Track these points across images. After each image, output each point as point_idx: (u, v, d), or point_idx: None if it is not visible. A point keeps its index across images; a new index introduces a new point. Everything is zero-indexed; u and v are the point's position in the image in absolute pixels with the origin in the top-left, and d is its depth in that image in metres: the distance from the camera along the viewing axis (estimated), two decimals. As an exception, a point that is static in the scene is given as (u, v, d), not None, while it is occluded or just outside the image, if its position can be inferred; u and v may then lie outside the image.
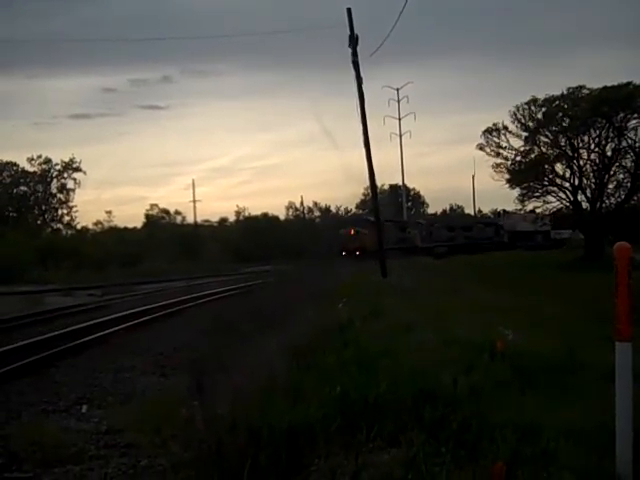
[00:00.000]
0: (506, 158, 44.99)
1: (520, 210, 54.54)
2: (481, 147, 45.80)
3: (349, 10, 28.03)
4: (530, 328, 10.84)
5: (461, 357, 8.21)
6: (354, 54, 27.97)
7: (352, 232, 52.82)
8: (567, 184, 44.11)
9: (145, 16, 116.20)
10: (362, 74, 28.10)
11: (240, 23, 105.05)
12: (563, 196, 44.75)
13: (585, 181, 43.67)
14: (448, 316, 12.64)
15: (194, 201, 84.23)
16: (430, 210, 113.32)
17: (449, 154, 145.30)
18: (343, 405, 6.29)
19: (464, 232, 69.90)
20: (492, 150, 45.23)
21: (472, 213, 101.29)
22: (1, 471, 6.48)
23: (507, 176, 44.96)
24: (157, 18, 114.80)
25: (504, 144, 44.86)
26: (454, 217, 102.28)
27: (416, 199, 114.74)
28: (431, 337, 9.80)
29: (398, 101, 73.12)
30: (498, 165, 45.35)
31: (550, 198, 45.57)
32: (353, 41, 27.86)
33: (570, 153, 43.12)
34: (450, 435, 5.47)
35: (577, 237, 66.81)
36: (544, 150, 43.95)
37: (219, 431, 5.73)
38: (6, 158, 79.66)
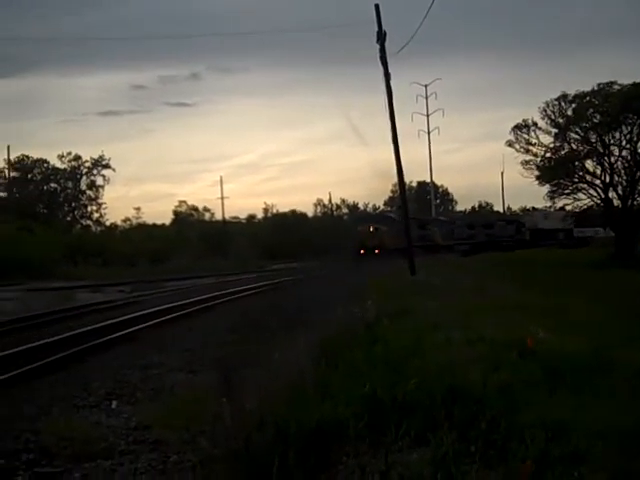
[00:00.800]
0: (535, 155, 44.54)
1: (550, 207, 53.85)
2: (510, 144, 45.36)
3: (377, 6, 28.00)
4: (560, 327, 10.74)
5: (490, 356, 8.17)
6: (382, 50, 27.92)
7: (371, 229, 51.45)
8: (598, 181, 43.63)
9: (174, 14, 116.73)
10: (390, 70, 28.09)
11: (268, 20, 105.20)
12: (594, 193, 44.24)
13: (616, 178, 43.14)
14: (476, 314, 12.58)
15: (222, 198, 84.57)
16: (459, 207, 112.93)
17: (478, 151, 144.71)
18: (371, 403, 6.29)
19: (485, 230, 68.67)
20: (521, 147, 44.78)
21: (501, 210, 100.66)
22: (32, 466, 6.55)
23: (537, 173, 44.50)
24: (185, 15, 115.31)
25: (534, 140, 44.42)
26: (477, 214, 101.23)
27: (444, 196, 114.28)
28: (459, 335, 9.76)
29: (426, 97, 73.11)
30: (527, 162, 44.89)
31: (580, 195, 45.07)
32: (381, 37, 27.82)
33: (601, 150, 42.64)
34: (479, 434, 5.45)
35: (601, 235, 65.89)
36: (574, 147, 43.48)
37: (247, 428, 5.75)
38: (37, 155, 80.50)
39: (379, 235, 49.73)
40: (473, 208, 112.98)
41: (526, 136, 44.74)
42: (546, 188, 45.17)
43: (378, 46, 27.95)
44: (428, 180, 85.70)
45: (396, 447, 5.61)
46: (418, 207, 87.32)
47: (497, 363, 7.62)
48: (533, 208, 78.35)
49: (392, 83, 28.15)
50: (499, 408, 5.95)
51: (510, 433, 5.40)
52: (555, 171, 43.31)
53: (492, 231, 68.77)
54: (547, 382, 6.91)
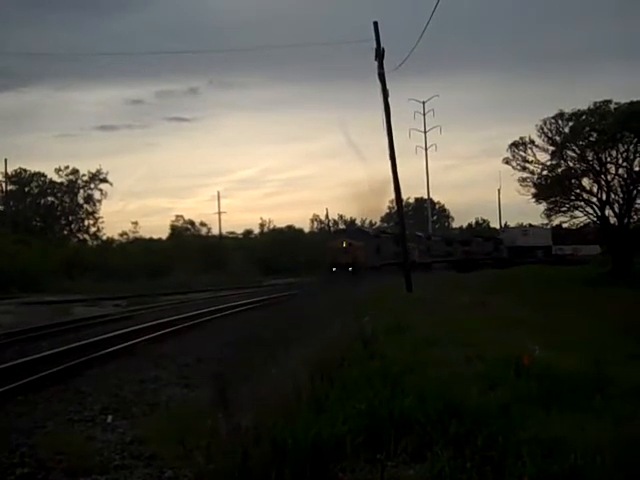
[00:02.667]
0: (532, 172, 44.65)
1: (546, 225, 53.88)
2: (507, 161, 45.48)
3: (375, 23, 28.16)
4: (557, 344, 10.74)
5: (487, 373, 8.17)
6: (380, 67, 28.05)
7: (343, 244, 46.18)
8: (594, 199, 43.74)
9: (172, 29, 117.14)
10: (388, 87, 28.20)
11: (266, 35, 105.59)
12: (590, 211, 44.37)
13: (613, 196, 43.27)
14: (473, 331, 12.58)
15: (219, 213, 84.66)
16: (455, 224, 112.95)
17: (475, 168, 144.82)
18: (368, 419, 6.28)
19: (462, 246, 65.13)
20: (518, 164, 44.90)
21: (498, 227, 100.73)
22: (28, 480, 6.53)
23: (533, 190, 44.61)
24: (184, 31, 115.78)
25: (531, 158, 44.55)
26: (461, 230, 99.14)
27: (441, 213, 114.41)
28: (456, 352, 9.76)
29: (424, 114, 73.16)
30: (524, 179, 45.03)
31: (577, 213, 45.19)
32: (379, 54, 27.95)
33: (598, 168, 42.75)
34: (476, 451, 5.44)
35: (582, 253, 65.38)
36: (571, 164, 43.60)
37: (244, 443, 5.73)
38: (34, 169, 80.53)
39: (352, 251, 45.23)
40: (470, 225, 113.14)
41: (523, 154, 44.89)
42: (543, 206, 45.27)
43: (376, 63, 28.07)
44: (425, 196, 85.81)
45: (393, 463, 5.60)
46: (415, 223, 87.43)
47: (494, 380, 7.62)
48: (530, 225, 77.90)
49: (390, 99, 28.32)
50: (495, 425, 5.94)
51: (507, 450, 5.39)
52: (552, 189, 43.42)
53: (469, 248, 65.95)
54: (543, 399, 6.90)
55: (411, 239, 54.95)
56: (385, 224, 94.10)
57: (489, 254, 67.19)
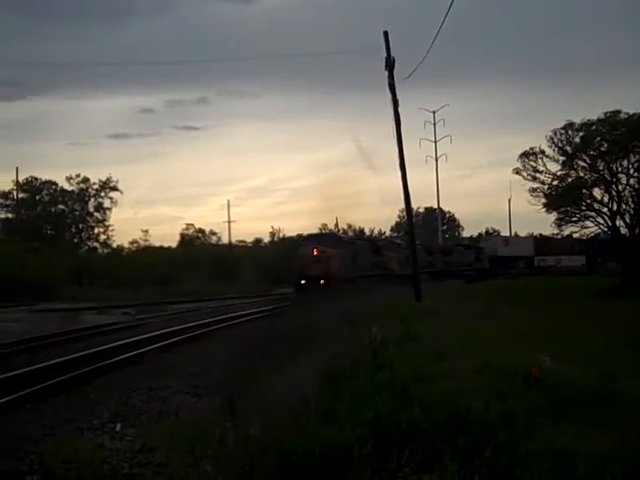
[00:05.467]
0: (543, 182, 44.58)
1: (557, 235, 53.63)
2: (517, 171, 45.41)
3: (386, 33, 28.19)
4: (565, 355, 10.71)
5: (495, 383, 8.14)
6: (390, 77, 28.06)
7: (315, 252, 37.88)
8: (605, 209, 43.63)
9: (182, 38, 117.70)
10: (398, 96, 28.22)
11: (276, 44, 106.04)
12: (601, 221, 44.25)
13: (624, 206, 43.14)
14: (482, 341, 12.55)
15: (229, 221, 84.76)
16: (465, 233, 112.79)
17: (485, 177, 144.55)
18: (376, 429, 6.28)
19: (443, 256, 58.65)
20: (529, 174, 44.83)
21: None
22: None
23: (544, 200, 44.53)
24: (194, 40, 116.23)
25: (541, 168, 44.49)
26: (471, 240, 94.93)
27: (451, 222, 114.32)
28: (464, 362, 9.74)
29: (434, 124, 73.06)
30: (535, 189, 44.95)
31: (588, 223, 45.09)
32: (390, 64, 27.97)
33: (608, 178, 42.65)
34: (483, 462, 5.43)
35: (565, 264, 64.33)
36: (582, 174, 43.51)
37: (251, 453, 5.74)
38: (45, 177, 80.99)
39: (326, 261, 37.39)
40: (480, 235, 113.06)
41: (533, 164, 44.80)
42: (553, 215, 45.17)
43: (387, 72, 28.11)
44: (435, 206, 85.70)
45: (400, 474, 5.60)
46: (425, 233, 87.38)
47: (502, 391, 7.60)
48: (541, 235, 77.36)
49: (400, 109, 28.28)
50: (503, 436, 5.93)
51: (515, 461, 5.38)
52: (562, 199, 43.32)
53: (450, 258, 60.01)
54: (552, 411, 6.89)
55: (390, 247, 50.94)
56: (395, 234, 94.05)
57: (470, 265, 62.63)
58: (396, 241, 61.97)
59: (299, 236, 76.80)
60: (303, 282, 36.86)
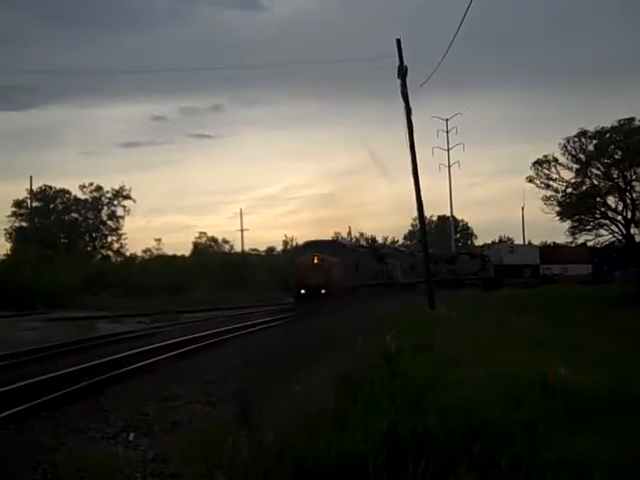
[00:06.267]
0: (556, 190, 44.56)
1: (571, 243, 53.38)
2: (531, 179, 45.44)
3: (398, 41, 28.21)
4: (582, 363, 10.63)
5: (510, 392, 8.08)
6: (403, 85, 28.07)
7: (315, 260, 35.79)
8: (619, 217, 43.49)
9: (195, 45, 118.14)
10: (411, 104, 28.22)
11: (289, 52, 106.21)
12: (615, 229, 44.11)
13: (638, 214, 42.98)
14: (496, 350, 12.49)
15: (242, 230, 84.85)
16: (478, 242, 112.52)
17: (499, 185, 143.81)
18: (390, 438, 6.22)
19: (448, 265, 56.57)
20: (542, 182, 44.83)
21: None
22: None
23: (558, 208, 44.48)
24: (207, 47, 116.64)
25: (554, 176, 44.46)
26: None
27: (465, 230, 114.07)
28: (480, 371, 9.68)
29: (447, 132, 73.04)
30: (548, 197, 44.89)
31: (602, 231, 44.99)
32: (402, 72, 27.98)
33: (623, 186, 42.53)
34: (500, 472, 5.37)
35: (572, 273, 63.48)
36: (596, 182, 43.43)
37: (265, 461, 5.71)
38: (58, 186, 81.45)
39: (327, 269, 35.32)
40: (493, 242, 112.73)
41: (547, 171, 44.79)
42: (567, 224, 45.06)
43: (399, 80, 28.11)
44: (448, 214, 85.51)
45: (415, 484, 5.54)
46: (438, 241, 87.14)
47: (518, 400, 7.54)
48: (554, 243, 77.02)
49: (413, 116, 28.30)
50: (520, 446, 5.87)
51: (531, 472, 5.32)
52: (576, 207, 43.22)
53: (455, 267, 58.27)
54: (569, 420, 6.82)
55: (393, 255, 49.08)
56: (408, 242, 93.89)
57: (475, 273, 61.05)
58: (400, 248, 61.03)
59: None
60: (303, 292, 35.17)
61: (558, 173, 44.37)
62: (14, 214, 79.08)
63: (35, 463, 7.62)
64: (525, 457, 5.57)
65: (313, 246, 38.31)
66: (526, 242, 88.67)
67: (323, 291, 34.02)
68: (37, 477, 7.14)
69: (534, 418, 6.77)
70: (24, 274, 47.21)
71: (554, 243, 76.50)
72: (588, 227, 44.81)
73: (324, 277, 34.73)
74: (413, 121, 28.34)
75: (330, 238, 41.96)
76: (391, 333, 13.45)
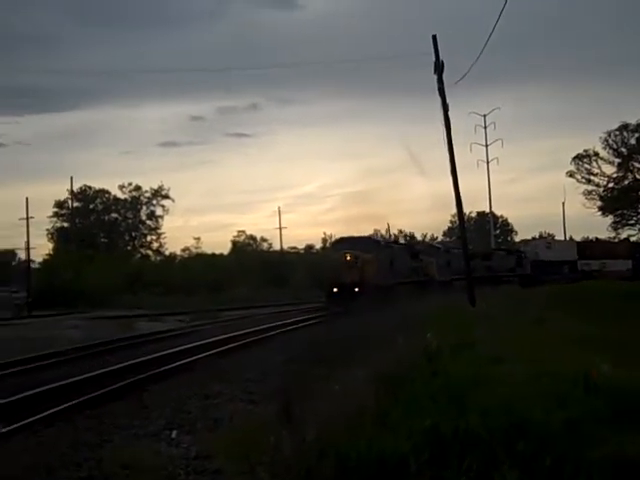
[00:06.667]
0: (598, 185, 44.07)
1: (614, 238, 52.58)
2: (571, 174, 44.99)
3: (434, 37, 28.03)
4: (626, 361, 10.48)
5: (553, 390, 7.99)
6: (440, 81, 27.89)
7: (348, 257, 34.23)
8: (663, 211, 42.81)
9: (232, 45, 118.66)
10: (448, 101, 28.03)
11: (326, 50, 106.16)
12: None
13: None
14: (539, 347, 12.36)
15: (280, 228, 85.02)
16: (519, 238, 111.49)
17: (538, 181, 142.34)
18: (432, 436, 6.20)
19: (483, 261, 54.03)
20: (583, 177, 44.36)
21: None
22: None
23: (599, 203, 43.96)
24: (244, 47, 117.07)
25: (595, 170, 43.97)
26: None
27: (504, 227, 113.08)
28: (522, 369, 9.59)
29: (485, 128, 72.32)
30: (590, 192, 44.38)
31: (646, 226, 44.33)
32: (439, 68, 27.79)
33: (666, 179, 41.88)
34: (544, 471, 5.32)
35: (610, 269, 61.92)
36: (638, 177, 42.79)
37: (307, 459, 5.72)
38: (98, 186, 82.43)
39: (360, 266, 33.95)
40: (533, 238, 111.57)
41: (587, 166, 44.32)
42: (610, 219, 44.50)
43: (436, 77, 27.96)
44: (488, 210, 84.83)
45: (458, 483, 5.52)
46: (477, 237, 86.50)
47: (561, 398, 7.46)
48: (596, 239, 75.83)
49: (450, 113, 28.08)
50: (563, 445, 5.81)
51: (577, 470, 5.27)
52: (618, 201, 42.73)
53: (490, 263, 56.31)
54: (614, 418, 6.73)
55: (429, 251, 47.83)
56: (447, 239, 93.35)
57: (512, 270, 59.13)
58: (435, 245, 60.03)
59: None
60: (335, 290, 33.94)
61: (599, 167, 43.97)
62: (56, 214, 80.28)
63: (81, 460, 7.72)
64: (569, 456, 5.51)
65: (346, 243, 36.86)
66: (567, 238, 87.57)
67: (356, 289, 32.97)
68: (82, 474, 7.23)
69: (577, 416, 6.69)
70: (65, 275, 47.90)
71: (596, 238, 75.31)
72: (631, 222, 44.22)
73: (357, 275, 33.56)
74: (450, 117, 28.17)
75: (364, 235, 39.16)
76: (431, 331, 13.37)
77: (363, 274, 33.63)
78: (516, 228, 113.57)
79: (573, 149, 67.68)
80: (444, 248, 53.02)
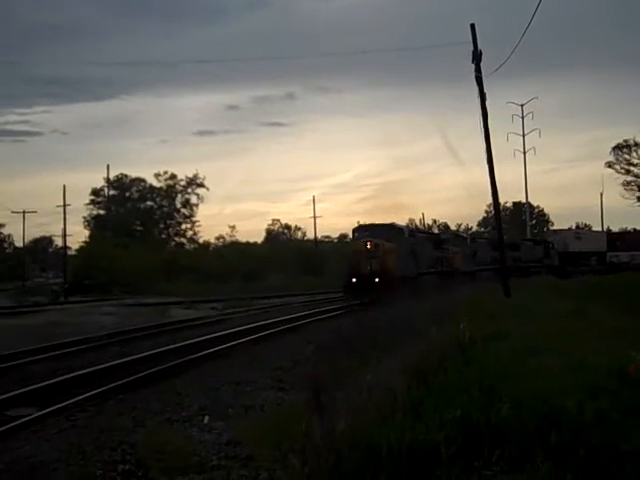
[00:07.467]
0: (637, 175, 43.42)
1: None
2: (610, 164, 44.43)
3: (472, 26, 27.79)
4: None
5: (588, 382, 7.90)
6: (477, 70, 27.66)
7: (369, 245, 32.14)
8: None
9: (269, 34, 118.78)
10: (485, 90, 27.80)
11: (362, 39, 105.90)
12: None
13: None
14: (573, 339, 12.23)
15: (314, 217, 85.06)
16: (555, 228, 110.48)
17: (576, 171, 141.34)
18: (464, 427, 6.16)
19: (511, 252, 49.76)
20: (622, 167, 43.77)
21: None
22: (128, 476, 6.70)
23: (638, 194, 43.34)
24: (280, 36, 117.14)
25: (635, 161, 43.37)
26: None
27: (540, 217, 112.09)
28: (556, 360, 9.50)
29: (522, 117, 71.66)
30: (629, 183, 43.78)
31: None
32: (477, 57, 27.56)
33: None
34: (577, 462, 5.27)
35: (638, 261, 60.31)
36: (677, 167, 42.13)
37: (338, 447, 5.71)
38: (134, 174, 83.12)
39: (381, 256, 31.92)
40: (569, 229, 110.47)
41: (627, 156, 43.70)
42: (649, 210, 43.83)
43: (473, 66, 27.72)
44: (524, 200, 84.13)
45: (490, 472, 5.48)
46: (513, 227, 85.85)
47: (596, 390, 7.37)
48: (634, 230, 74.75)
49: (487, 102, 27.86)
50: (597, 436, 5.75)
51: (610, 462, 5.21)
52: (657, 192, 42.00)
53: (518, 254, 53.87)
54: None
55: (454, 241, 45.92)
56: (482, 229, 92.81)
57: (539, 261, 57.88)
58: (461, 234, 59.65)
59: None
60: (354, 280, 31.92)
61: (639, 157, 43.19)
62: (92, 202, 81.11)
63: (115, 444, 7.81)
64: (603, 447, 5.45)
65: (366, 230, 34.45)
66: (604, 229, 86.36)
67: (377, 280, 31.13)
68: (117, 457, 7.31)
69: (613, 409, 6.62)
70: (101, 262, 48.38)
71: (634, 229, 74.12)
72: (669, 214, 43.51)
73: (378, 265, 31.60)
74: (487, 107, 27.93)
75: (386, 222, 36.00)
76: (464, 321, 13.29)
77: (384, 264, 31.74)
78: (552, 219, 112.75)
79: (612, 140, 66.82)
80: (470, 238, 51.95)
